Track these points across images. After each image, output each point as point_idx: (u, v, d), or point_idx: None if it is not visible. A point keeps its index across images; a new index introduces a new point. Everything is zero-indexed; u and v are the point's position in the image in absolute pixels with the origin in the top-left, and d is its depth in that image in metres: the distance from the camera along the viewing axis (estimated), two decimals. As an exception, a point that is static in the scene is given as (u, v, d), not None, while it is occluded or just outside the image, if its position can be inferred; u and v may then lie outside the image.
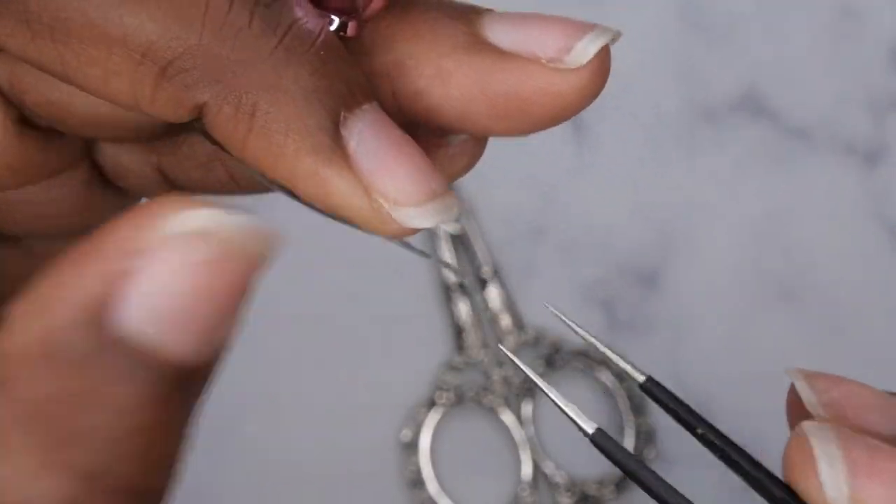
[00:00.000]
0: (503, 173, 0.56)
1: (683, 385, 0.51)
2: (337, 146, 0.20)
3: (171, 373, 0.17)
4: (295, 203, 0.21)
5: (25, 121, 0.22)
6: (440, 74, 0.21)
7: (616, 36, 0.22)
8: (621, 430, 0.50)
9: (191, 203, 0.17)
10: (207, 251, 0.16)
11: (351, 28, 0.21)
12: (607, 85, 0.59)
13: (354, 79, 0.20)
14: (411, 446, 0.50)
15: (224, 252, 0.16)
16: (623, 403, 0.51)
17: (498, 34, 0.21)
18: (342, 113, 0.20)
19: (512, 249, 0.54)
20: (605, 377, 0.51)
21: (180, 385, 0.17)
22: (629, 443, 0.50)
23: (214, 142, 0.21)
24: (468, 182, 0.55)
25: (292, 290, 0.53)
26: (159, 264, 0.16)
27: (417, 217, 0.20)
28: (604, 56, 0.21)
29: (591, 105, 0.62)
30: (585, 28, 0.21)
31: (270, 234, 0.17)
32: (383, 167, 0.20)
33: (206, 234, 0.16)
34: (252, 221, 0.17)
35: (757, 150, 0.56)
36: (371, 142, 0.20)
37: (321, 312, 0.52)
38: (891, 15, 0.58)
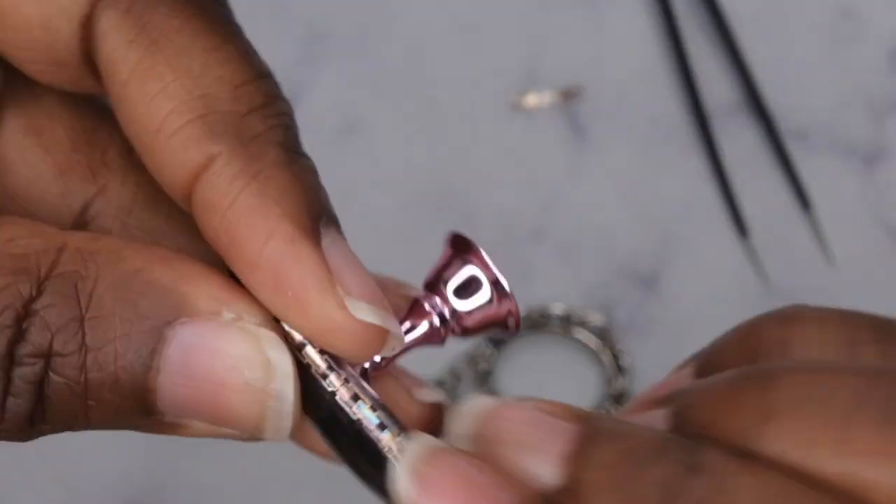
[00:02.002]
0: (503, 176, 0.56)
1: (683, 386, 0.51)
2: (316, 231, 0.22)
3: None
4: None
5: None
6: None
7: (397, 342, 0.23)
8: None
9: None
10: (246, 361, 0.22)
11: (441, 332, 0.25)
12: (607, 88, 0.59)
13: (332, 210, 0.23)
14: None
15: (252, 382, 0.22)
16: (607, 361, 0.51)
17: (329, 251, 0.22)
18: (324, 218, 0.22)
19: (512, 252, 0.54)
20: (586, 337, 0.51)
21: None
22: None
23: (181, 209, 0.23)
24: (469, 185, 0.55)
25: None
26: (222, 333, 0.21)
27: (368, 312, 0.22)
28: (376, 334, 0.22)
29: (590, 107, 0.62)
30: (378, 303, 0.22)
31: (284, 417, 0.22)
32: (349, 267, 0.22)
33: (265, 359, 0.22)
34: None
35: (756, 152, 0.56)
36: (342, 248, 0.22)
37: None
38: (890, 17, 0.58)
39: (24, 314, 0.20)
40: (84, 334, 0.21)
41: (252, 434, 0.22)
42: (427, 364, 0.52)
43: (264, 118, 0.22)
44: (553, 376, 0.52)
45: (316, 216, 0.22)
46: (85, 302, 0.21)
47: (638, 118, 0.56)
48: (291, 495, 0.51)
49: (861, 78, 0.57)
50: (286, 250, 0.21)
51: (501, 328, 0.25)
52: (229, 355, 0.21)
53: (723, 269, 0.54)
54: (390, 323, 0.22)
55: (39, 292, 0.21)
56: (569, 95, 0.57)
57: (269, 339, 0.21)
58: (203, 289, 0.21)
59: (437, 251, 0.25)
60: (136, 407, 0.22)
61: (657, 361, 0.52)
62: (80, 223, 0.25)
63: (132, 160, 0.25)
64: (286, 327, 0.22)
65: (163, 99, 0.22)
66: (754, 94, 0.56)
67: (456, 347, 0.52)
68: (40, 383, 0.21)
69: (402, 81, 0.57)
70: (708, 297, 0.54)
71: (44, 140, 0.25)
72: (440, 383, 0.51)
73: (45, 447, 0.51)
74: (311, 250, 0.21)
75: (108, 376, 0.21)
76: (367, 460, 0.22)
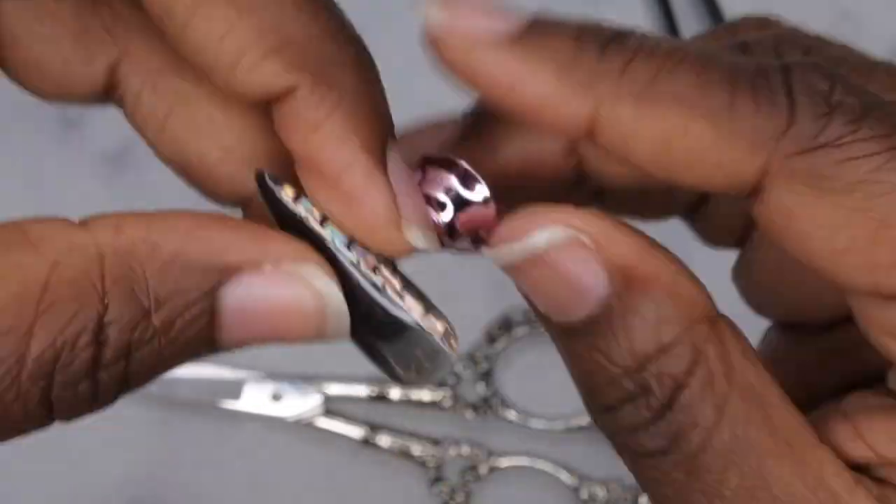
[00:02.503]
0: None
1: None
2: (383, 160, 0.24)
3: None
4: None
5: None
6: None
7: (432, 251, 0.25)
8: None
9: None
10: (303, 299, 0.23)
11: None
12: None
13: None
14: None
15: (312, 307, 0.23)
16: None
17: None
18: (389, 141, 0.25)
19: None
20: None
21: None
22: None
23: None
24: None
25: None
26: (272, 280, 0.23)
27: (421, 239, 0.24)
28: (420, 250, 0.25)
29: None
30: (426, 227, 0.25)
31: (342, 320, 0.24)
32: (406, 189, 0.24)
33: (316, 290, 0.23)
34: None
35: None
36: (400, 168, 0.24)
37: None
38: (889, 18, 0.59)
39: (99, 329, 0.22)
40: (152, 324, 0.22)
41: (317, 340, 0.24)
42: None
43: (335, 39, 0.24)
44: (553, 376, 0.52)
45: (385, 142, 0.24)
46: (145, 299, 0.22)
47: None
48: (291, 496, 0.51)
49: (860, 78, 0.57)
50: (363, 183, 0.24)
51: (478, 238, 0.26)
52: (282, 298, 0.23)
53: (723, 268, 0.54)
54: (434, 246, 0.25)
55: (105, 307, 0.22)
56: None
57: (312, 272, 0.23)
58: (237, 249, 0.23)
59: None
60: (209, 351, 0.24)
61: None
62: (110, 87, 0.26)
63: (144, 18, 0.25)
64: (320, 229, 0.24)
65: (233, 40, 0.23)
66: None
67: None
68: (125, 373, 0.23)
69: (402, 81, 0.57)
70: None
71: (46, 8, 0.26)
72: (440, 384, 0.51)
73: (47, 447, 0.51)
74: (384, 185, 0.24)
75: (180, 344, 0.23)
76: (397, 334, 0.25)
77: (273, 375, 0.52)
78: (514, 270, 0.24)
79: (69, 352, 0.22)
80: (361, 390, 0.51)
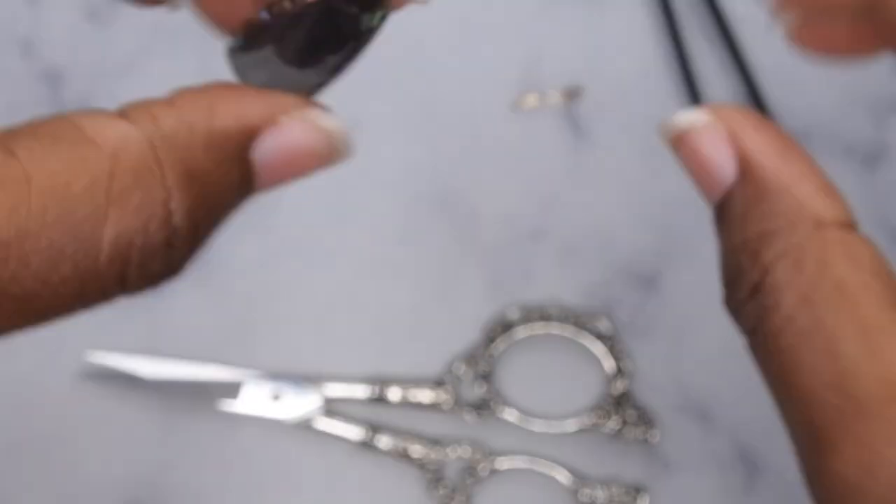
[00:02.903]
0: (503, 176, 0.56)
1: (684, 387, 0.51)
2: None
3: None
4: None
5: None
6: None
7: None
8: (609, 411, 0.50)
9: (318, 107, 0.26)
10: (315, 136, 0.26)
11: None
12: (607, 88, 0.59)
13: None
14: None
15: (323, 141, 0.26)
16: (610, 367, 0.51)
17: None
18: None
19: (512, 252, 0.54)
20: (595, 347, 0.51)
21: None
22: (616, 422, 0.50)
23: None
24: (469, 185, 0.55)
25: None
26: (289, 128, 0.26)
27: None
28: None
29: (590, 107, 0.61)
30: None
31: (349, 142, 0.27)
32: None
33: (322, 127, 0.26)
34: (346, 133, 0.27)
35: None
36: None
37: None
38: (890, 17, 0.58)
39: (168, 214, 0.24)
40: (211, 198, 0.25)
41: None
42: (427, 364, 0.52)
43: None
44: (553, 376, 0.52)
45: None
46: (199, 177, 0.25)
47: (638, 118, 0.56)
48: (290, 497, 0.51)
49: (862, 78, 0.57)
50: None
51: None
52: (300, 141, 0.26)
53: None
54: None
55: (169, 192, 0.24)
56: (569, 95, 0.56)
57: (316, 115, 0.26)
58: (253, 111, 0.26)
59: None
60: (247, 198, 0.26)
61: (657, 361, 0.52)
62: None
63: None
64: None
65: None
66: (754, 94, 0.56)
67: (455, 347, 0.52)
68: (192, 248, 0.25)
69: (402, 81, 0.57)
70: (708, 296, 0.53)
71: None
72: (439, 383, 0.51)
73: (46, 446, 0.51)
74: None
75: (229, 204, 0.26)
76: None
77: (272, 375, 0.52)
78: (670, 147, 0.28)
79: (143, 236, 0.24)
80: (361, 391, 0.51)
